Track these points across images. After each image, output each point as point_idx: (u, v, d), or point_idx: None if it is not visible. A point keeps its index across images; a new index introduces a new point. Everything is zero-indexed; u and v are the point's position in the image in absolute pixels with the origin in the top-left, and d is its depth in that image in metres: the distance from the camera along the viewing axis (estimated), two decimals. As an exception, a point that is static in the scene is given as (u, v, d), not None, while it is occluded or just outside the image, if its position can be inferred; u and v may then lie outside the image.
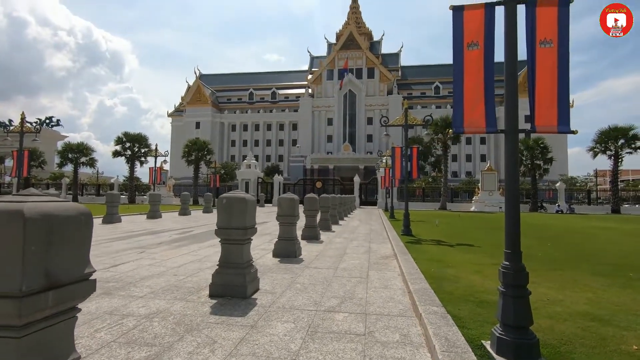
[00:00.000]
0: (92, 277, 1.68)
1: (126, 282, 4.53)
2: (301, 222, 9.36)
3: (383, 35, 79.17)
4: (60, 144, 42.40)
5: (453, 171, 60.83)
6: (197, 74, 75.03)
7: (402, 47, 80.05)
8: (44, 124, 61.07)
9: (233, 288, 3.91)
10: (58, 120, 63.83)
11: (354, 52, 67.30)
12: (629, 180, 62.15)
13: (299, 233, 8.02)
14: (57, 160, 39.28)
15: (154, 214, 15.79)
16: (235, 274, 3.93)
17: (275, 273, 5.23)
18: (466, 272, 5.45)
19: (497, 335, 2.47)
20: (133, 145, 37.44)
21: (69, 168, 39.39)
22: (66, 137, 61.47)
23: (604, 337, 2.94)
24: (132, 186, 37.66)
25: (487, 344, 2.61)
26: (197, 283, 4.54)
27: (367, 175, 50.02)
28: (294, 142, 69.68)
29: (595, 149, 32.17)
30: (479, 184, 34.21)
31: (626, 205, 33.90)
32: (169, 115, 76.58)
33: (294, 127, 71.28)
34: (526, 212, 30.71)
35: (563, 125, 2.50)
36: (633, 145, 30.73)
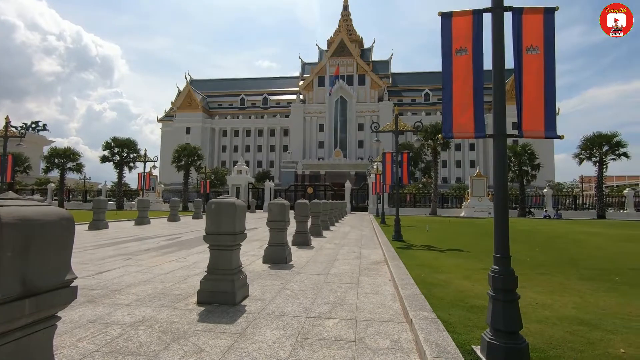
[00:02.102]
0: (73, 284, 1.62)
1: (111, 290, 4.42)
2: (292, 228, 9.31)
3: (374, 42, 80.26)
4: (46, 149, 41.56)
5: (443, 177, 61.43)
6: (188, 79, 74.68)
7: (392, 54, 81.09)
8: (30, 129, 59.96)
9: (221, 295, 3.84)
10: (44, 125, 62.75)
11: (345, 59, 67.86)
12: (613, 186, 63.59)
13: (289, 239, 7.96)
14: (43, 165, 38.45)
15: (142, 220, 15.54)
16: (223, 280, 3.86)
17: (265, 279, 5.17)
18: (456, 277, 5.47)
19: (487, 340, 2.46)
20: (122, 151, 36.93)
21: (55, 174, 38.61)
22: (53, 142, 60.33)
23: (592, 341, 2.96)
24: (120, 192, 37.07)
25: (478, 349, 2.61)
26: (184, 290, 4.45)
27: (358, 181, 50.16)
28: (285, 148, 69.63)
29: (580, 156, 32.86)
30: (469, 190, 34.58)
31: (611, 211, 34.60)
32: (159, 120, 75.90)
33: (285, 132, 71.30)
34: (514, 217, 31.09)
35: (550, 130, 2.53)
36: (617, 152, 31.48)
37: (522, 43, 2.55)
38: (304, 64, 78.08)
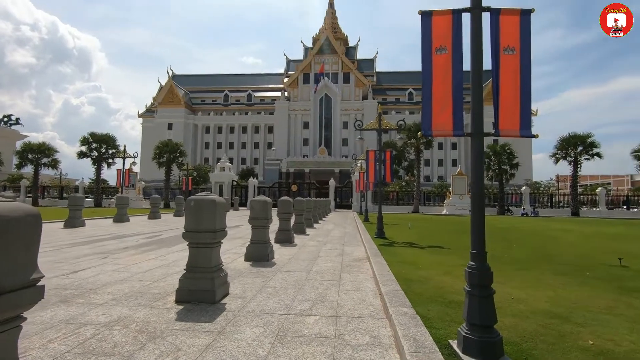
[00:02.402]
0: (40, 283, 1.56)
1: (86, 289, 4.29)
2: (275, 226, 9.26)
3: (359, 41, 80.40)
4: (19, 144, 39.92)
5: (426, 175, 62.41)
6: (170, 74, 73.12)
7: (377, 53, 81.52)
8: (2, 122, 57.42)
9: (201, 293, 3.78)
10: (17, 119, 60.11)
11: (330, 56, 67.84)
12: (587, 185, 66.04)
13: (272, 236, 7.92)
14: (15, 161, 36.94)
15: (121, 218, 15.15)
16: (203, 278, 3.81)
17: (247, 277, 5.13)
18: (436, 274, 5.56)
19: (464, 334, 2.51)
20: (100, 146, 35.85)
21: (29, 169, 37.16)
22: (26, 136, 58.01)
23: (563, 334, 3.06)
24: (99, 189, 36.02)
25: (454, 343, 2.66)
26: (163, 289, 4.36)
27: (342, 179, 50.37)
28: (270, 145, 69.21)
29: (557, 155, 33.99)
30: (450, 188, 35.24)
31: (584, 209, 35.95)
32: (140, 115, 74.08)
33: (270, 130, 70.82)
34: (494, 215, 31.90)
35: (525, 129, 2.60)
36: (590, 152, 32.71)
37: (500, 43, 2.61)
38: (288, 61, 77.65)
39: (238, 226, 14.09)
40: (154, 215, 17.91)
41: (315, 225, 15.03)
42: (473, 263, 2.59)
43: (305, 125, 67.89)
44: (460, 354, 2.47)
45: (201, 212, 3.80)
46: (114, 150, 35.93)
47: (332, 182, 37.29)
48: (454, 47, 2.64)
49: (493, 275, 2.60)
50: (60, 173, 47.67)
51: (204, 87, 76.81)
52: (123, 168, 29.43)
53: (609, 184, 70.62)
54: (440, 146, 66.59)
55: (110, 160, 36.36)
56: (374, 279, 5.06)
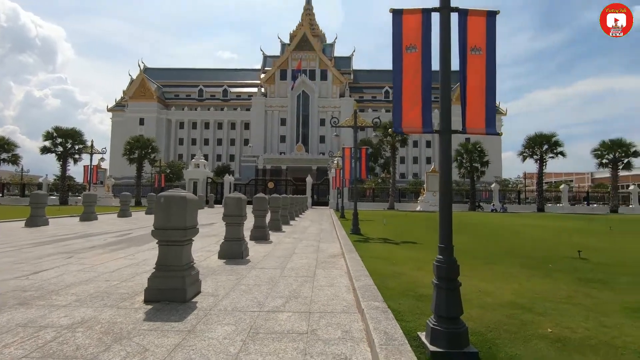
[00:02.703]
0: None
1: (47, 291, 4.09)
2: (250, 223, 9.17)
3: (336, 38, 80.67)
4: (-25, 138, 37.34)
5: (401, 173, 63.57)
6: (142, 67, 70.59)
7: (354, 51, 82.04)
8: (-45, 115, 53.56)
9: (171, 292, 3.69)
10: (-27, 111, 56.23)
11: (307, 53, 67.62)
12: (552, 182, 69.42)
13: (247, 234, 7.84)
14: (-29, 156, 34.58)
15: (88, 216, 14.52)
16: (173, 276, 3.71)
17: (220, 275, 5.05)
18: (409, 269, 5.69)
19: (431, 326, 2.58)
20: (65, 141, 34.14)
21: (-14, 165, 34.90)
22: (-17, 130, 54.39)
23: (525, 323, 3.21)
24: (64, 186, 34.36)
25: (423, 335, 2.73)
26: (131, 288, 4.23)
27: (319, 176, 50.46)
28: (246, 142, 68.31)
29: (524, 154, 35.51)
30: (424, 185, 36.08)
31: (549, 205, 37.80)
32: (109, 110, 71.17)
33: (246, 126, 69.89)
34: (465, 211, 32.97)
35: (490, 127, 2.69)
36: (555, 151, 34.40)
37: (467, 44, 2.68)
38: (265, 57, 76.77)
39: (212, 224, 13.84)
40: (124, 213, 17.29)
41: (291, 222, 15.00)
42: (441, 257, 2.67)
43: (283, 122, 67.48)
44: (428, 345, 2.54)
45: (171, 208, 3.70)
46: (80, 146, 34.32)
47: (309, 179, 37.31)
48: (423, 45, 2.69)
49: (459, 268, 2.68)
50: (22, 169, 45.10)
51: (177, 82, 74.70)
52: (90, 164, 28.21)
53: (571, 181, 74.55)
54: (416, 144, 67.98)
55: (76, 156, 34.71)
56: (348, 274, 5.11)
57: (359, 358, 2.54)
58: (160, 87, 71.75)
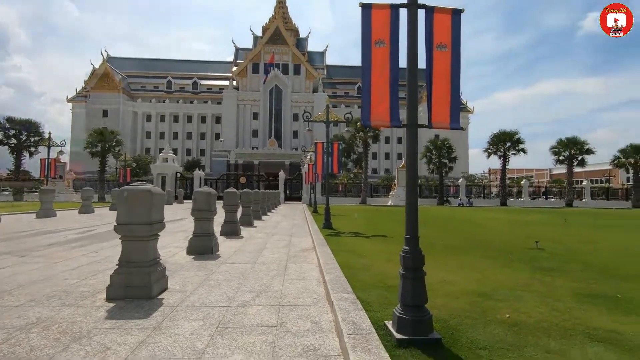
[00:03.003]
0: None
1: (-1, 291, 3.83)
2: (221, 218, 9.00)
3: (309, 33, 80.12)
4: None
5: (373, 168, 64.56)
6: (105, 57, 67.10)
7: (327, 46, 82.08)
8: None
9: (136, 289, 3.57)
10: None
11: (280, 47, 66.83)
12: (514, 177, 72.98)
13: (218, 229, 7.70)
14: None
15: (46, 213, 13.70)
16: (138, 273, 3.59)
17: (188, 271, 4.93)
18: (379, 261, 5.81)
19: (398, 314, 2.66)
20: (20, 133, 31.93)
21: None
22: None
23: (485, 310, 3.38)
24: (19, 181, 32.17)
25: (389, 324, 2.80)
26: (93, 286, 4.04)
27: (292, 171, 50.26)
28: (217, 136, 66.77)
29: (489, 150, 37.12)
30: (396, 180, 36.87)
31: (511, 199, 39.74)
32: (69, 100, 67.18)
33: (217, 120, 68.26)
34: (434, 205, 34.04)
35: (454, 122, 2.78)
36: (517, 148, 36.21)
37: (433, 40, 2.75)
38: (237, 49, 75.12)
39: (181, 219, 13.47)
40: (85, 209, 16.46)
41: (263, 217, 14.87)
42: (407, 247, 2.74)
43: (255, 116, 66.49)
44: (395, 333, 2.62)
45: (135, 202, 3.56)
46: (37, 138, 32.24)
47: (281, 174, 37.08)
48: (391, 41, 2.74)
49: (424, 258, 2.77)
50: (-30, 163, 41.76)
51: (144, 72, 71.61)
52: (48, 158, 26.56)
53: (532, 176, 78.76)
54: (387, 140, 69.17)
55: (32, 149, 32.58)
56: (319, 267, 5.15)
57: (328, 348, 2.58)
58: (125, 77, 68.55)
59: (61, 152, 29.19)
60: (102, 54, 66.78)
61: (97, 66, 65.79)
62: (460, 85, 2.85)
